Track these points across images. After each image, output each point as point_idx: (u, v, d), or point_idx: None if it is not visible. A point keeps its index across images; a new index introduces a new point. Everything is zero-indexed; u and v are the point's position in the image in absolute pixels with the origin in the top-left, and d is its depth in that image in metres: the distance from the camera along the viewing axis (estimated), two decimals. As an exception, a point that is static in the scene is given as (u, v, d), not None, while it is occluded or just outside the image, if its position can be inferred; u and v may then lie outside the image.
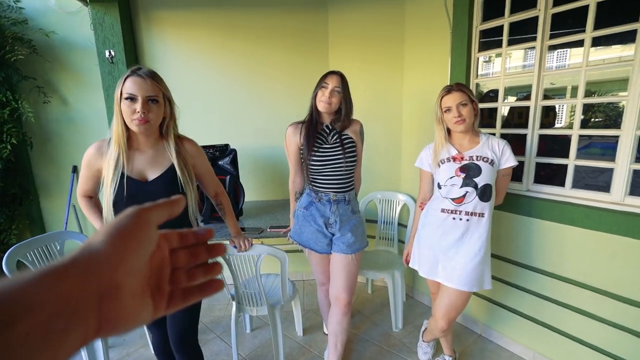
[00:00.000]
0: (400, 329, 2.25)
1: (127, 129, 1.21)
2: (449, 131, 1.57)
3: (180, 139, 1.33)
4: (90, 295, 0.22)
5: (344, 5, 2.49)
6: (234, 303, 1.88)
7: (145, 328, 2.02)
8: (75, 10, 2.34)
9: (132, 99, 1.14)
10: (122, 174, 1.19)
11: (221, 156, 2.25)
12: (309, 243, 1.70)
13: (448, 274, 1.55)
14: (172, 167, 1.27)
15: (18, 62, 2.26)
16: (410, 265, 1.76)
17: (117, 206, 1.22)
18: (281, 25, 2.55)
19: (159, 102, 1.19)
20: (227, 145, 2.32)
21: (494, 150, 1.50)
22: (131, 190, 1.20)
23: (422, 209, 1.72)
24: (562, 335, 1.76)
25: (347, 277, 1.65)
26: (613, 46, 2.07)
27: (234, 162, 2.29)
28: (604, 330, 1.60)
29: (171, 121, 1.27)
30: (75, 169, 2.60)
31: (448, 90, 1.50)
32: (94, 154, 1.25)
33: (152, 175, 1.25)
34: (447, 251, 1.55)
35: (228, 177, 2.20)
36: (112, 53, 2.31)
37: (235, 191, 2.26)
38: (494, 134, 1.87)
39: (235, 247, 1.60)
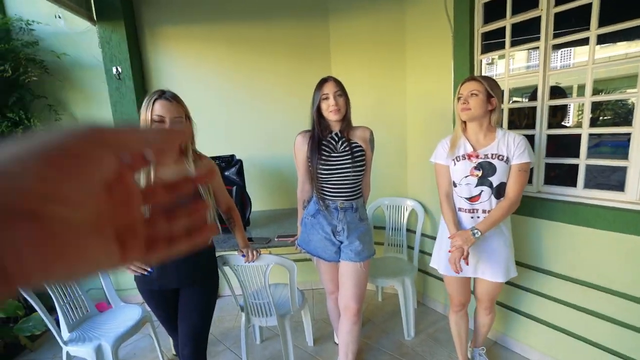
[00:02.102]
0: (412, 337, 2.20)
1: None
2: (466, 123, 1.55)
3: (198, 155, 1.44)
4: None
5: (344, 13, 2.52)
6: (243, 314, 1.87)
7: (154, 338, 2.02)
8: (84, 29, 2.40)
9: (161, 121, 1.25)
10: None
11: (227, 167, 2.27)
12: (316, 251, 1.69)
13: (478, 268, 1.57)
14: None
15: (31, 82, 2.32)
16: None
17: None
18: (283, 35, 2.59)
19: (182, 122, 1.31)
20: (232, 156, 2.34)
21: (509, 146, 1.46)
22: None
23: (446, 205, 1.62)
24: (580, 340, 1.70)
25: (355, 285, 1.62)
26: (618, 43, 2.03)
27: (240, 172, 2.30)
28: (623, 334, 1.54)
29: (190, 138, 1.38)
30: (85, 184, 2.64)
31: (467, 79, 1.51)
32: None
33: None
34: (471, 249, 1.51)
35: (235, 188, 2.21)
36: (119, 70, 2.36)
37: (242, 201, 2.27)
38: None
39: (243, 255, 1.61)
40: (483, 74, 2.03)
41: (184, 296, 1.47)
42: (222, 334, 2.38)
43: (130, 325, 1.82)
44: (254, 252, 1.63)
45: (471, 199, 1.52)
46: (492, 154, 1.48)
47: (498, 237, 1.54)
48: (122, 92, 2.40)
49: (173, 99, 1.29)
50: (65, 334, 1.75)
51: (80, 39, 2.44)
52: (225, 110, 2.66)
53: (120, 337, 1.75)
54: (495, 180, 1.47)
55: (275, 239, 2.02)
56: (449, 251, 1.50)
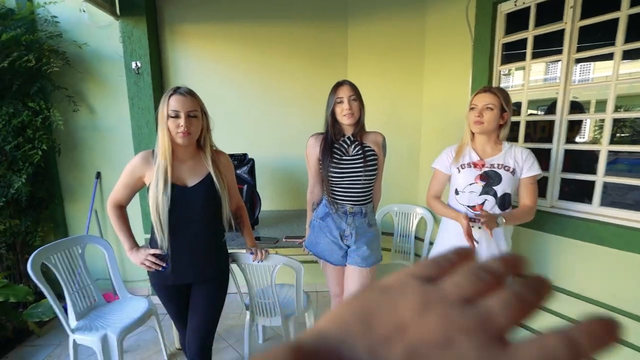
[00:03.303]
0: (416, 346, 2.18)
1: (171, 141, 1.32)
2: (474, 134, 1.55)
3: (215, 152, 1.46)
4: None
5: (364, 17, 2.52)
6: (247, 312, 1.88)
7: (159, 331, 2.04)
8: (107, 24, 2.45)
9: (176, 115, 1.27)
10: (167, 181, 1.30)
11: (239, 165, 2.28)
12: (323, 254, 1.68)
13: None
14: (209, 175, 1.39)
15: (52, 73, 2.37)
16: None
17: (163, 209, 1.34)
18: (301, 37, 2.60)
19: (197, 116, 1.33)
20: (245, 155, 2.35)
21: (516, 159, 1.46)
22: (175, 195, 1.32)
23: (437, 202, 1.65)
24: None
25: (361, 290, 1.61)
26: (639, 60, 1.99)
27: (252, 171, 2.32)
28: (637, 358, 1.50)
29: (207, 133, 1.41)
30: (99, 175, 2.68)
31: (483, 89, 1.49)
32: (140, 162, 1.36)
33: (191, 182, 1.38)
34: None
35: (245, 186, 2.22)
36: (139, 64, 2.40)
37: (252, 200, 2.28)
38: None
39: (252, 254, 1.62)
40: (502, 84, 2.01)
41: (197, 292, 1.48)
42: (225, 331, 2.39)
43: (136, 318, 1.84)
44: (263, 252, 1.63)
45: (474, 208, 1.51)
46: (499, 164, 1.47)
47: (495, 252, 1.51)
48: (139, 87, 2.43)
49: (188, 93, 1.31)
50: (73, 322, 1.77)
51: (102, 32, 2.49)
52: (240, 110, 2.68)
53: (126, 329, 1.77)
54: (499, 190, 1.46)
55: (283, 240, 2.02)
56: (476, 217, 1.43)
